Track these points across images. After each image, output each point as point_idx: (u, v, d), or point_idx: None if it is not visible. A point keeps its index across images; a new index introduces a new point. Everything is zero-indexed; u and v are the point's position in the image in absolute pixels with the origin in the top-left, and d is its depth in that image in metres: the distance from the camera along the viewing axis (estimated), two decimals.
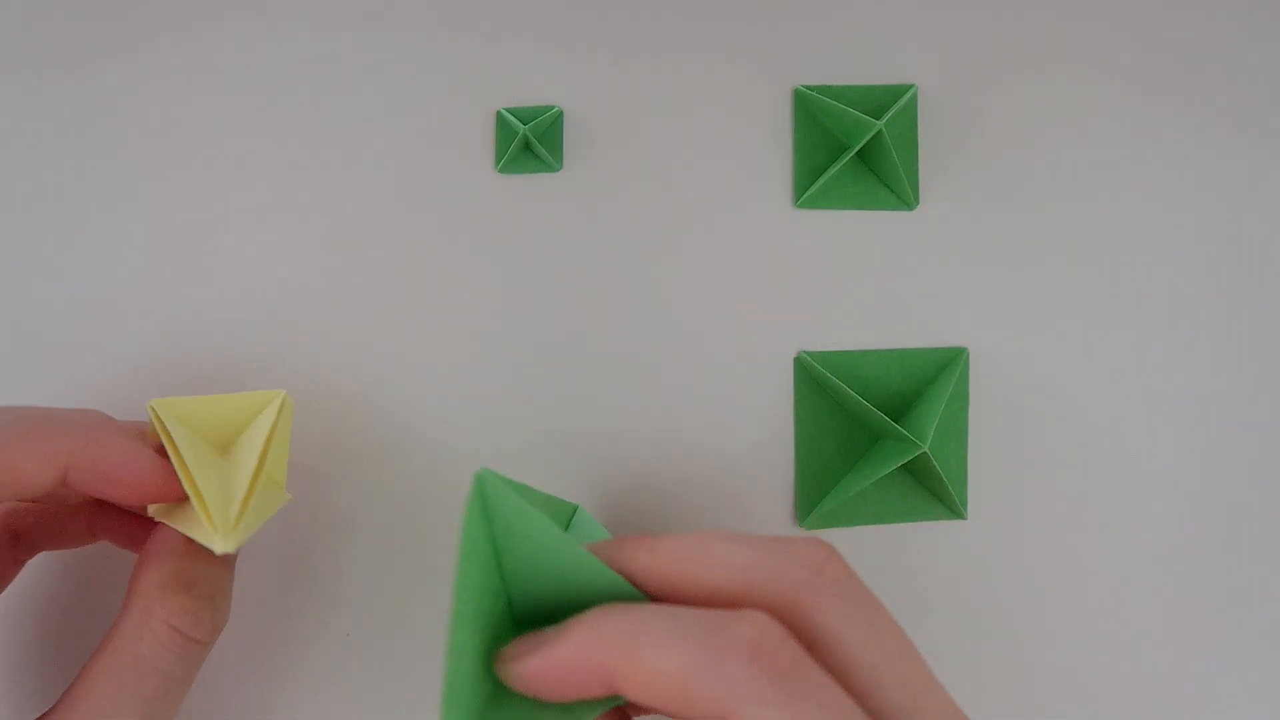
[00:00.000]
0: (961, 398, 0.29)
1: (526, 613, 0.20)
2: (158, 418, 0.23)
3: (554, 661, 0.18)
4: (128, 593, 0.23)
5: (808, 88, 0.30)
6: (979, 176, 0.30)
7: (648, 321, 0.30)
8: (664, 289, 0.30)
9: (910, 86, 0.30)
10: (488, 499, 0.19)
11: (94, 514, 0.26)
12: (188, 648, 0.22)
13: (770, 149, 0.30)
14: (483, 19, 0.30)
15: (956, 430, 0.29)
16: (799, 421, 0.30)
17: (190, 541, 0.22)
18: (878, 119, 0.28)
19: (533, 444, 0.29)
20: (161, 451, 0.23)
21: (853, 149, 0.29)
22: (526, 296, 0.30)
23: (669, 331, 0.30)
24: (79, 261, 0.30)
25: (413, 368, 0.29)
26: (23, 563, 0.27)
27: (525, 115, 0.30)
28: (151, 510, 0.23)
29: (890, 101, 0.30)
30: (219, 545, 0.21)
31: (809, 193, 0.30)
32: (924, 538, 0.30)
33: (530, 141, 0.29)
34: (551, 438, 0.29)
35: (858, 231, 0.30)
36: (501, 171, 0.30)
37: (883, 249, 0.30)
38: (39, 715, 0.23)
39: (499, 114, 0.30)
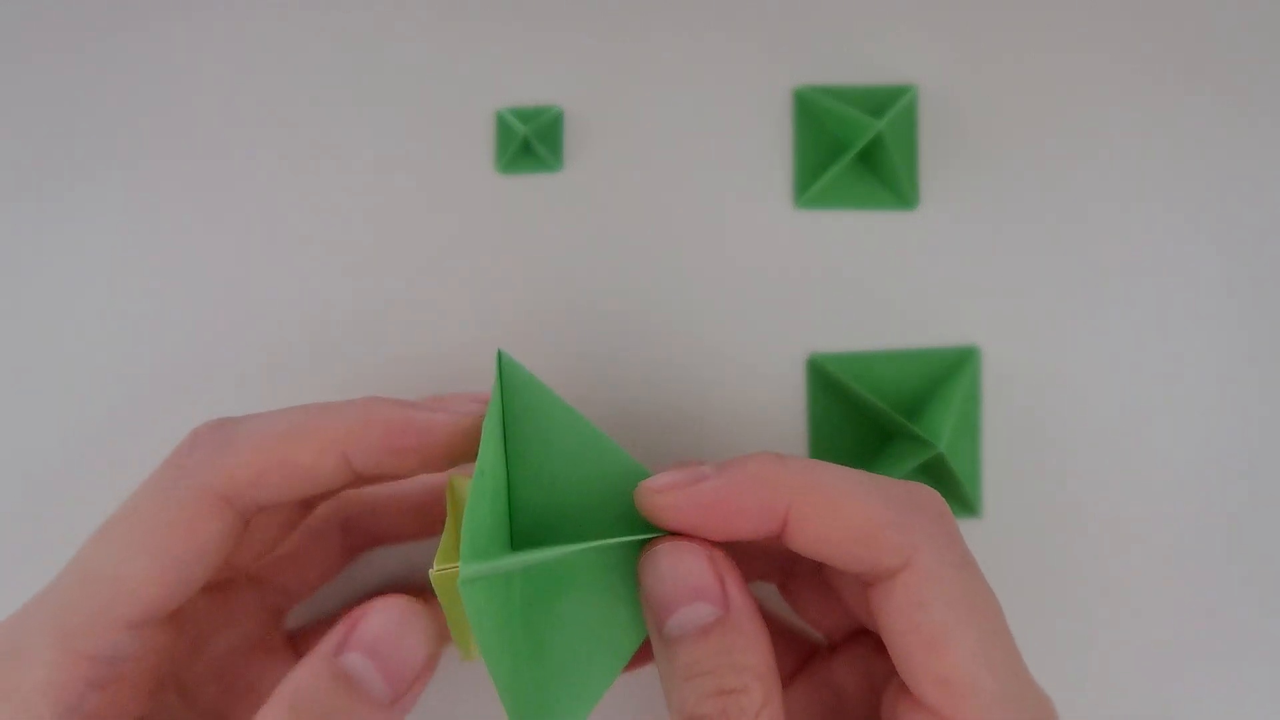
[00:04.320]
0: (973, 396, 0.29)
1: (528, 504, 0.20)
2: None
3: (736, 489, 0.19)
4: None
5: (808, 88, 0.30)
6: (979, 176, 0.30)
7: (648, 322, 0.29)
8: (664, 289, 0.30)
9: (910, 87, 0.30)
10: (508, 378, 0.20)
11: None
12: None
13: (770, 149, 0.30)
14: (483, 19, 0.30)
15: (969, 429, 0.29)
16: (813, 424, 0.29)
17: (336, 663, 0.18)
18: (878, 119, 0.28)
19: None
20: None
21: (853, 149, 0.29)
22: (526, 297, 0.29)
23: (669, 331, 0.29)
24: (73, 266, 0.29)
25: (412, 368, 0.29)
26: (357, 552, 0.26)
27: (525, 115, 0.29)
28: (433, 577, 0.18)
29: (890, 101, 0.30)
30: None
31: (809, 193, 0.30)
32: None
33: (530, 141, 0.29)
34: None
35: (858, 232, 0.30)
36: (501, 171, 0.30)
37: (884, 249, 0.30)
38: None
39: (499, 114, 0.30)
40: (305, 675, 0.18)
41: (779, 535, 0.19)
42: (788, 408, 0.29)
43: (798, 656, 0.25)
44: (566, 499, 0.20)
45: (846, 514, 0.18)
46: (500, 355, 0.20)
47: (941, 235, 0.30)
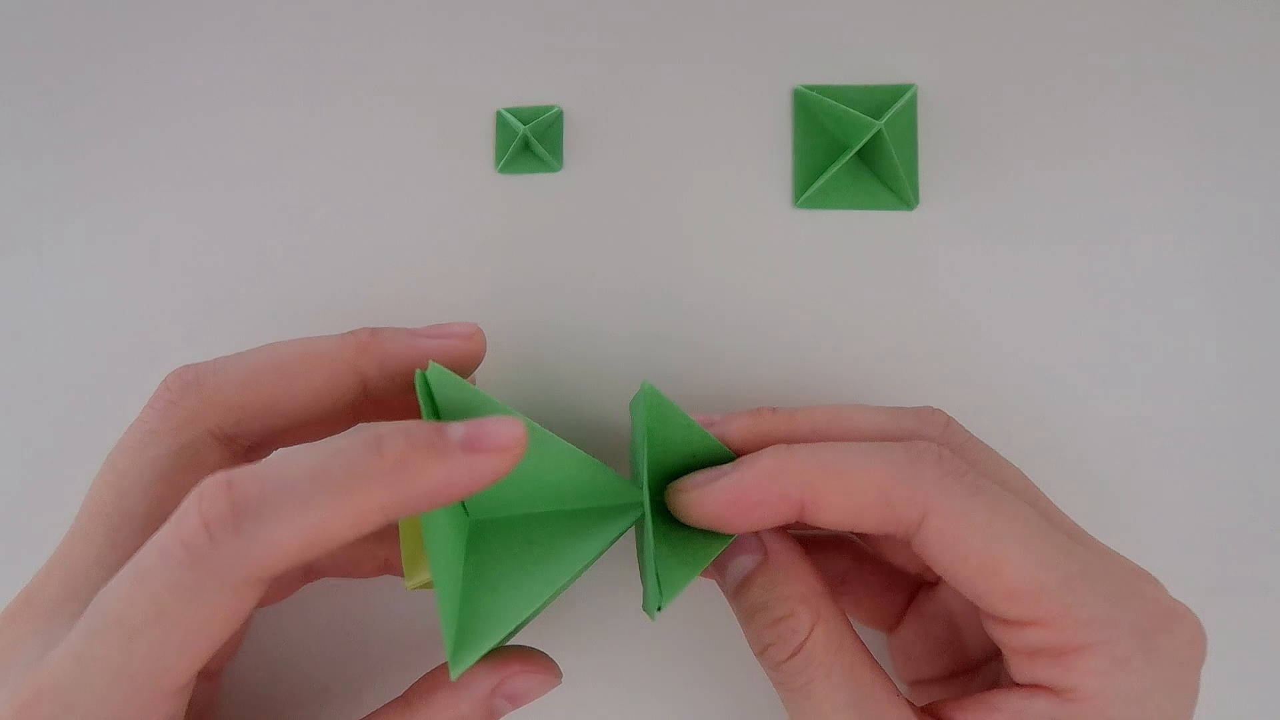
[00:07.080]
0: None
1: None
2: None
3: (749, 484, 0.20)
4: None
5: (808, 88, 0.30)
6: (979, 176, 0.30)
7: (647, 322, 0.30)
8: (664, 289, 0.30)
9: (910, 86, 0.30)
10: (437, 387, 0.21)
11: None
12: None
13: (770, 149, 0.30)
14: (483, 19, 0.30)
15: None
16: None
17: (491, 703, 0.22)
18: (878, 119, 0.28)
19: None
20: None
21: (852, 149, 0.29)
22: (526, 296, 0.30)
23: (668, 331, 0.30)
24: (84, 259, 0.30)
25: None
26: (302, 583, 0.27)
27: (525, 115, 0.29)
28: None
29: (890, 101, 0.30)
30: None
31: (809, 193, 0.30)
32: None
33: (530, 141, 0.29)
34: None
35: (858, 231, 0.30)
36: (501, 171, 0.30)
37: (883, 249, 0.30)
38: None
39: (499, 114, 0.30)
40: (468, 709, 0.21)
41: (801, 517, 0.21)
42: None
43: (903, 594, 0.26)
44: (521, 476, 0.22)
45: (856, 488, 0.20)
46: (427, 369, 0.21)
47: (941, 235, 0.30)
